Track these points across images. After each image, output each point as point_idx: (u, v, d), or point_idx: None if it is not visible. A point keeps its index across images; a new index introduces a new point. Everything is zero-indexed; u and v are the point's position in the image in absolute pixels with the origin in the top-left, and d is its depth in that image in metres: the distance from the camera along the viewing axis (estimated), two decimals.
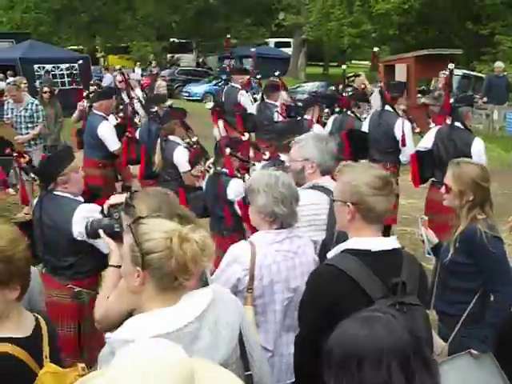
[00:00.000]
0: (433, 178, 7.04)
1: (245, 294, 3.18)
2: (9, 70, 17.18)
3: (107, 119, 8.34)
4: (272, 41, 45.53)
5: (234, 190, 5.30)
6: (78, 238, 4.19)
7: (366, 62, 52.84)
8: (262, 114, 9.54)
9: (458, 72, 20.31)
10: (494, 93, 15.83)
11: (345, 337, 1.78)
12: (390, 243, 2.75)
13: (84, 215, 4.10)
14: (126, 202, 2.98)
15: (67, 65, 18.30)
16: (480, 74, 22.53)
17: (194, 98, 27.31)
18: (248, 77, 11.08)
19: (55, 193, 4.40)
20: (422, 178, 7.18)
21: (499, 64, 16.34)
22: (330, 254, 2.82)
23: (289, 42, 42.99)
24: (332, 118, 8.81)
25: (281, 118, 8.91)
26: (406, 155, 7.39)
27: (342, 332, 1.80)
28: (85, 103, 9.84)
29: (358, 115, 8.84)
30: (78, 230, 4.11)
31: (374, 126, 7.82)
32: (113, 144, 8.17)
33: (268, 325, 3.28)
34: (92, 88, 10.60)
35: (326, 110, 9.20)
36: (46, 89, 11.46)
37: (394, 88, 8.59)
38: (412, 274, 2.68)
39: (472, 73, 22.74)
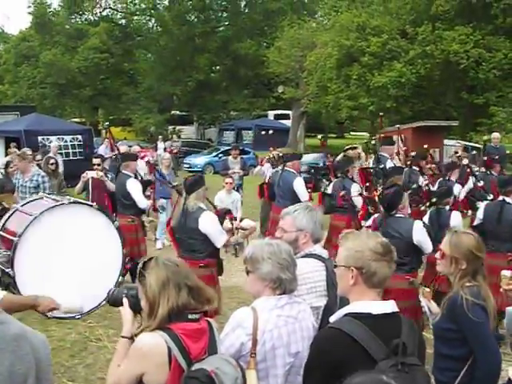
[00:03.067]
0: None
1: (248, 358, 3.22)
2: (12, 142, 17.47)
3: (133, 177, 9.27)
4: (271, 113, 46.32)
5: None
6: None
7: (364, 134, 53.68)
8: None
9: (454, 142, 20.67)
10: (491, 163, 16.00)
11: None
12: (390, 307, 2.84)
13: None
14: (140, 271, 3.06)
15: (70, 137, 18.63)
16: (477, 145, 22.89)
17: (195, 170, 27.65)
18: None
19: None
20: None
21: (496, 135, 16.60)
22: (333, 318, 2.90)
23: (288, 114, 43.72)
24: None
25: None
26: None
27: None
28: (88, 174, 10.06)
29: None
30: None
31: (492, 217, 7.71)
32: (140, 202, 9.03)
33: None
34: (96, 160, 10.76)
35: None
36: (52, 160, 11.66)
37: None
38: (411, 335, 2.76)
39: (469, 143, 23.10)
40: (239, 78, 44.63)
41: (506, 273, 4.51)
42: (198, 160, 29.88)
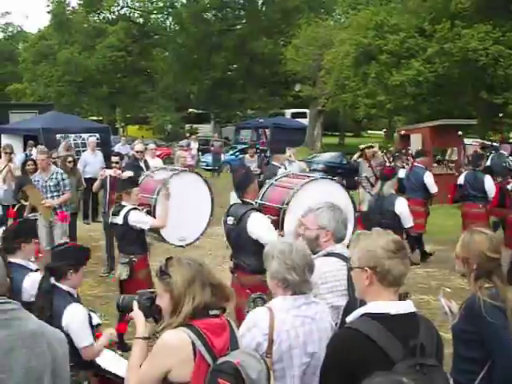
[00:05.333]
0: None
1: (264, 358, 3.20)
2: (30, 140, 17.57)
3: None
4: (288, 111, 46.24)
5: None
6: None
7: (381, 132, 53.48)
8: None
9: (471, 141, 20.51)
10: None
11: None
12: (407, 307, 2.81)
13: None
14: (161, 269, 3.10)
15: (88, 134, 18.69)
16: (495, 144, 22.69)
17: (211, 168, 27.66)
18: None
19: None
20: None
21: None
22: (349, 318, 2.88)
23: (305, 113, 43.61)
24: None
25: None
26: None
27: None
28: (106, 172, 10.08)
29: None
30: None
31: None
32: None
33: None
34: (114, 158, 10.79)
35: None
36: (70, 158, 11.69)
37: None
38: (429, 336, 2.74)
39: (488, 142, 22.91)
40: (256, 76, 44.59)
41: None
42: (207, 157, 29.82)
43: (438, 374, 2.58)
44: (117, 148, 18.96)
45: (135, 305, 3.27)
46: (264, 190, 6.87)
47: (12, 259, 4.86)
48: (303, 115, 43.78)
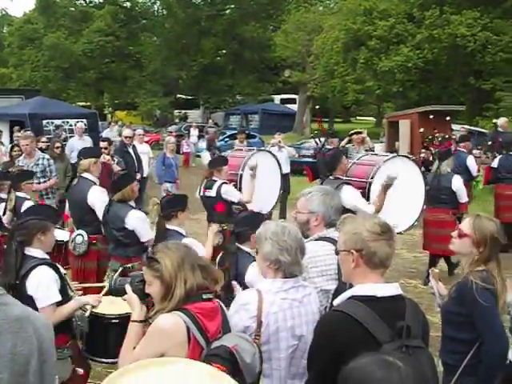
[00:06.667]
0: None
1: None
2: (16, 126, 17.40)
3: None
4: (278, 97, 46.18)
5: None
6: None
7: (371, 118, 53.53)
8: None
9: (459, 127, 20.56)
10: (498, 148, 15.94)
11: (361, 372, 1.85)
12: (394, 289, 2.83)
13: None
14: (149, 256, 3.12)
15: (75, 120, 18.54)
16: (483, 130, 22.77)
17: (202, 153, 27.54)
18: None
19: None
20: None
21: (504, 119, 16.48)
22: (337, 301, 2.90)
23: (294, 99, 43.55)
24: None
25: None
26: None
27: (360, 367, 1.87)
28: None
29: None
30: None
31: None
32: None
33: (273, 372, 3.31)
34: (103, 144, 10.72)
35: None
36: (57, 144, 11.58)
37: None
38: (415, 318, 2.76)
39: (475, 128, 22.99)
40: (245, 61, 44.48)
41: None
42: (205, 144, 29.72)
43: (423, 355, 2.60)
44: (105, 133, 18.87)
45: (128, 288, 3.27)
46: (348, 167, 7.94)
47: (168, 226, 5.73)
48: (292, 101, 43.74)
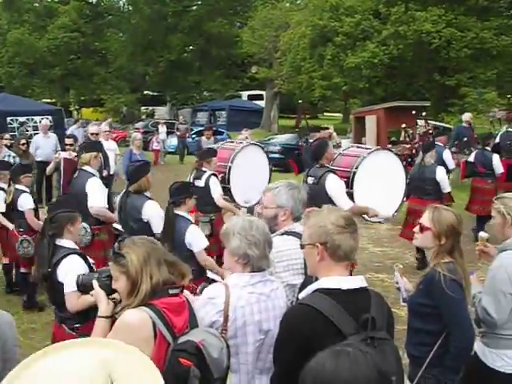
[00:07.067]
0: None
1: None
2: None
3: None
4: (245, 94, 46.14)
5: None
6: None
7: (338, 114, 53.83)
8: None
9: (423, 123, 20.77)
10: (462, 143, 16.16)
11: (314, 367, 1.83)
12: (359, 282, 2.85)
13: None
14: (115, 251, 3.09)
15: (40, 117, 18.28)
16: (448, 125, 23.04)
17: (169, 150, 27.39)
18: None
19: None
20: None
21: (468, 115, 16.72)
22: (302, 295, 2.91)
23: (261, 95, 43.60)
24: None
25: None
26: None
27: (313, 362, 1.85)
28: (60, 155, 9.91)
29: None
30: None
31: None
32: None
33: (240, 367, 3.30)
34: (68, 140, 10.60)
35: None
36: (23, 141, 11.46)
37: None
38: (380, 310, 2.78)
39: (441, 124, 23.26)
40: (212, 58, 44.32)
41: (482, 234, 4.57)
42: (172, 140, 29.59)
43: (388, 347, 2.61)
44: (70, 130, 18.62)
45: (95, 283, 3.26)
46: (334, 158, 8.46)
47: (177, 211, 6.04)
48: (260, 97, 43.75)
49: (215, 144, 15.06)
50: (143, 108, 44.26)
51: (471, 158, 12.21)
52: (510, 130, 14.23)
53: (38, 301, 7.87)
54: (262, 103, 42.21)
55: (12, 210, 7.96)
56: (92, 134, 12.01)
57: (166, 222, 6.05)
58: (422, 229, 3.92)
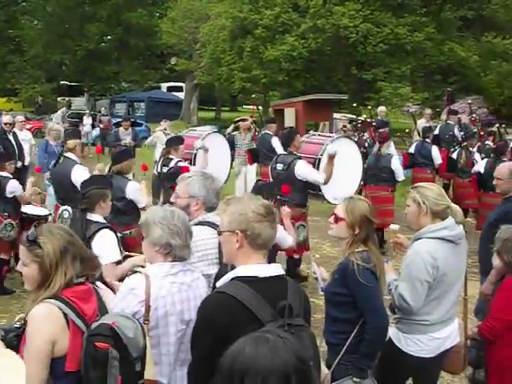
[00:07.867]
0: None
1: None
2: None
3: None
4: (164, 85, 45.68)
5: None
6: None
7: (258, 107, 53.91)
8: None
9: (340, 116, 21.24)
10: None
11: (233, 353, 1.85)
12: (276, 269, 2.89)
13: None
14: (29, 238, 2.94)
15: None
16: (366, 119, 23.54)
17: (86, 141, 26.72)
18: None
19: None
20: None
21: (382, 108, 17.15)
22: (219, 283, 2.92)
23: (181, 87, 43.24)
24: None
25: None
26: None
27: (232, 348, 1.86)
28: None
29: None
30: None
31: None
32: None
33: (162, 358, 3.29)
34: None
35: None
36: None
37: None
38: (297, 297, 2.83)
39: (359, 117, 23.76)
40: (130, 48, 43.66)
41: (393, 226, 4.68)
42: (93, 132, 28.85)
43: (305, 333, 2.66)
44: None
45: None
46: None
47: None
48: (179, 89, 43.41)
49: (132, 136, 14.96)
50: (60, 98, 43.08)
51: (411, 150, 12.71)
52: (449, 122, 14.79)
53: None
54: (181, 95, 41.88)
55: None
56: (6, 123, 11.64)
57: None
58: (337, 219, 3.97)
